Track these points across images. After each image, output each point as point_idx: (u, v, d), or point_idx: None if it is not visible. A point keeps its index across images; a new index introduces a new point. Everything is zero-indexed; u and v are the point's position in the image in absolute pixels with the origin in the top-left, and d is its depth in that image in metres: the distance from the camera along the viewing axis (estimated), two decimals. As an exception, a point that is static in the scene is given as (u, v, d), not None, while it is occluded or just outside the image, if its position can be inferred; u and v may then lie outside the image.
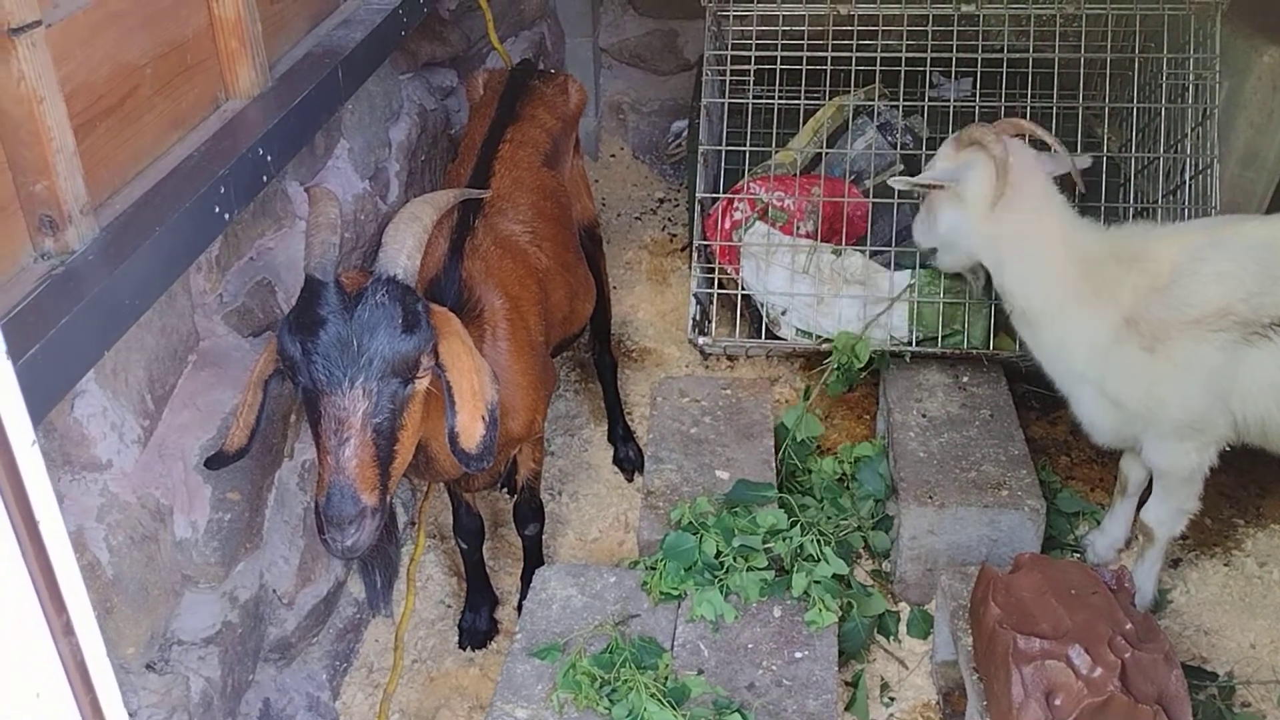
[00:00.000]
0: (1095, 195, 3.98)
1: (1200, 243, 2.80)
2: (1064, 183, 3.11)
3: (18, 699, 1.04)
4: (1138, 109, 4.15)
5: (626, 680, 2.60)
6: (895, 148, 4.20)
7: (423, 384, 2.27)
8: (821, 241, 3.95)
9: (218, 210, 2.21)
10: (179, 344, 2.42)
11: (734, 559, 2.94)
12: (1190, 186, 3.85)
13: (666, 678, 2.64)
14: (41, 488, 1.04)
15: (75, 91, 1.96)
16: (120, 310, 1.92)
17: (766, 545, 2.98)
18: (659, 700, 2.54)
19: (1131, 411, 2.88)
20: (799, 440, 3.53)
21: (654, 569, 2.92)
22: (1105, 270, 2.86)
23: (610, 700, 2.57)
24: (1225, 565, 3.39)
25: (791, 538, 3.00)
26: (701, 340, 4.07)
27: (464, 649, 3.21)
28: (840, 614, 2.90)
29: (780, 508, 3.13)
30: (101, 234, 1.98)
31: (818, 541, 3.01)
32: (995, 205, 2.95)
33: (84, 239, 1.94)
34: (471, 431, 2.34)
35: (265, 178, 2.42)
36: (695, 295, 4.12)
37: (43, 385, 1.71)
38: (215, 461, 2.33)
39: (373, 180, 3.32)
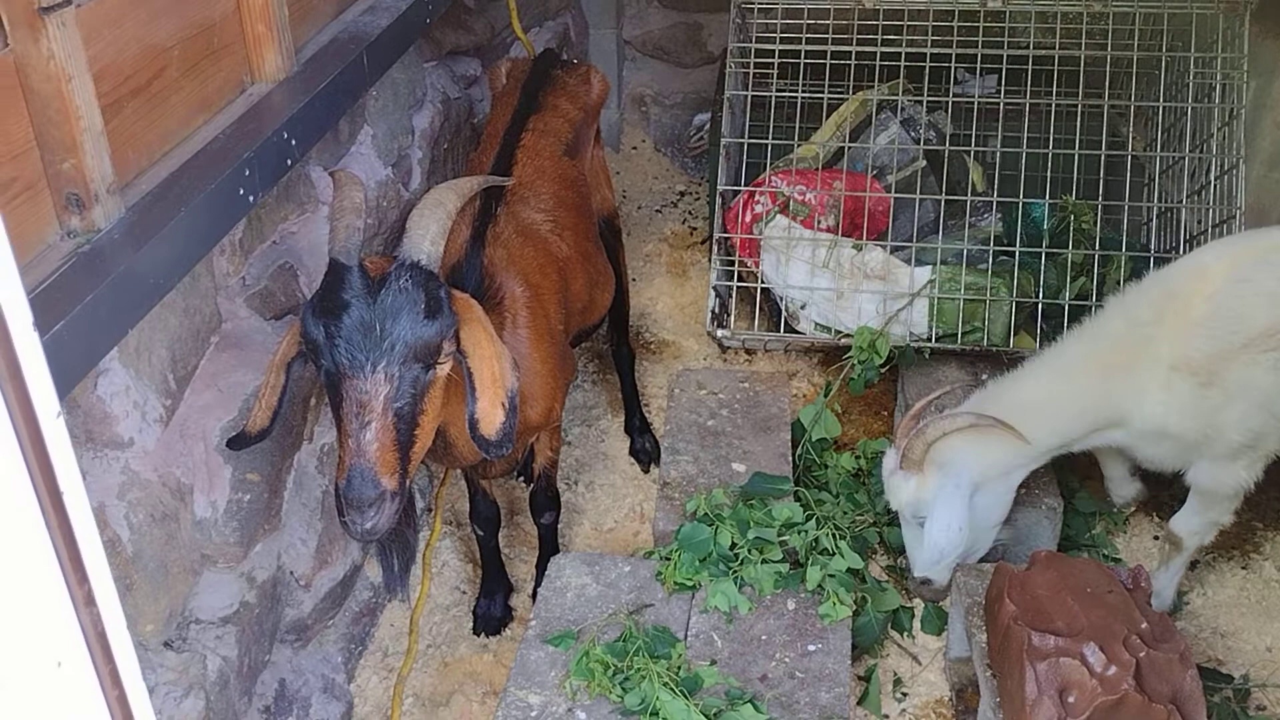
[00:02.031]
0: (1119, 195, 3.96)
1: (1240, 263, 2.76)
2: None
3: (40, 668, 1.05)
4: (1163, 108, 4.13)
5: (639, 669, 2.61)
6: (918, 143, 4.19)
7: (444, 370, 2.28)
8: (842, 236, 3.94)
9: (242, 193, 2.23)
10: (202, 325, 2.44)
11: (749, 551, 2.94)
12: (1215, 187, 3.82)
13: (679, 667, 2.65)
14: (66, 459, 1.05)
15: (103, 71, 1.98)
16: (144, 290, 1.93)
17: (782, 539, 2.98)
18: (672, 689, 2.55)
19: (1190, 442, 2.84)
20: (815, 438, 3.53)
21: (668, 559, 2.93)
22: (1120, 347, 2.81)
23: (623, 688, 2.58)
24: (1243, 568, 3.37)
25: (807, 531, 3.00)
26: (720, 333, 4.07)
27: (478, 635, 3.22)
28: (854, 608, 2.90)
29: (796, 501, 3.13)
30: (127, 214, 2.00)
31: (833, 535, 3.01)
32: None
33: (110, 218, 1.95)
34: (491, 418, 2.34)
35: (289, 162, 2.43)
36: (715, 288, 4.12)
37: (67, 361, 1.73)
38: (237, 442, 2.35)
39: (395, 167, 3.33)
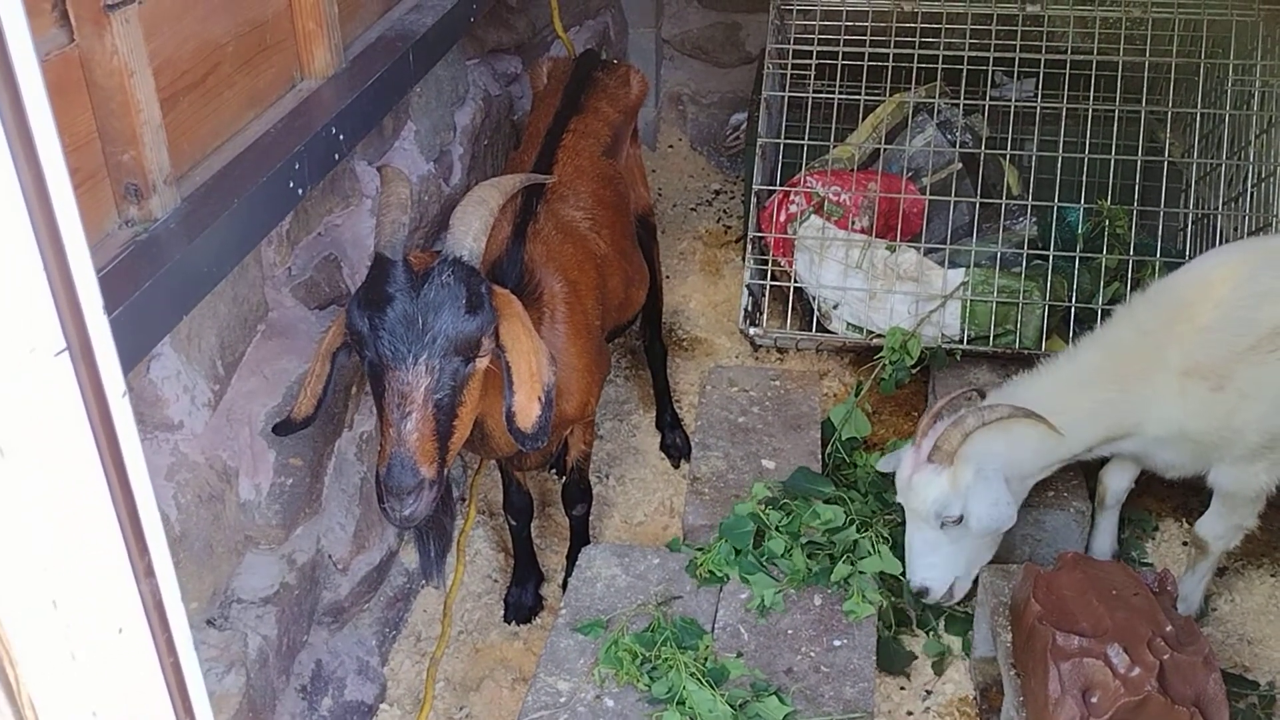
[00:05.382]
0: (1155, 201, 3.96)
1: (1245, 267, 2.78)
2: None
3: (103, 633, 1.11)
4: (1201, 114, 4.12)
5: (667, 659, 2.66)
6: (954, 146, 4.21)
7: (483, 363, 2.34)
8: (876, 237, 3.97)
9: (291, 185, 2.29)
10: (249, 313, 2.52)
11: (788, 553, 2.98)
12: (1252, 195, 3.82)
13: (706, 658, 2.69)
14: (130, 436, 1.10)
15: (162, 66, 2.05)
16: (198, 278, 2.01)
17: (831, 544, 3.02)
18: (698, 679, 2.59)
19: (1209, 445, 2.85)
20: (845, 437, 3.56)
21: (700, 550, 2.98)
22: (1131, 356, 2.83)
23: (650, 677, 2.63)
24: (1272, 576, 3.37)
25: (848, 536, 3.03)
26: (752, 331, 4.11)
27: (509, 623, 3.28)
28: (881, 603, 2.93)
29: (831, 503, 3.14)
30: (183, 204, 2.07)
31: (874, 540, 3.03)
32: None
33: (166, 208, 2.03)
34: (528, 411, 2.40)
35: (337, 156, 2.50)
36: (748, 286, 4.16)
37: (125, 346, 1.79)
38: (282, 429, 2.42)
39: (437, 163, 3.40)
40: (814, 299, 3.99)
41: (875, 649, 2.81)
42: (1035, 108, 4.08)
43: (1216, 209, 3.95)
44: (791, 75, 4.32)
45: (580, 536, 3.33)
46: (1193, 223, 4.02)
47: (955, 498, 2.80)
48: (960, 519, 2.83)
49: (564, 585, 3.21)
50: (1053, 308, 3.75)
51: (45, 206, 0.97)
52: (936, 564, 2.92)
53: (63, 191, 0.97)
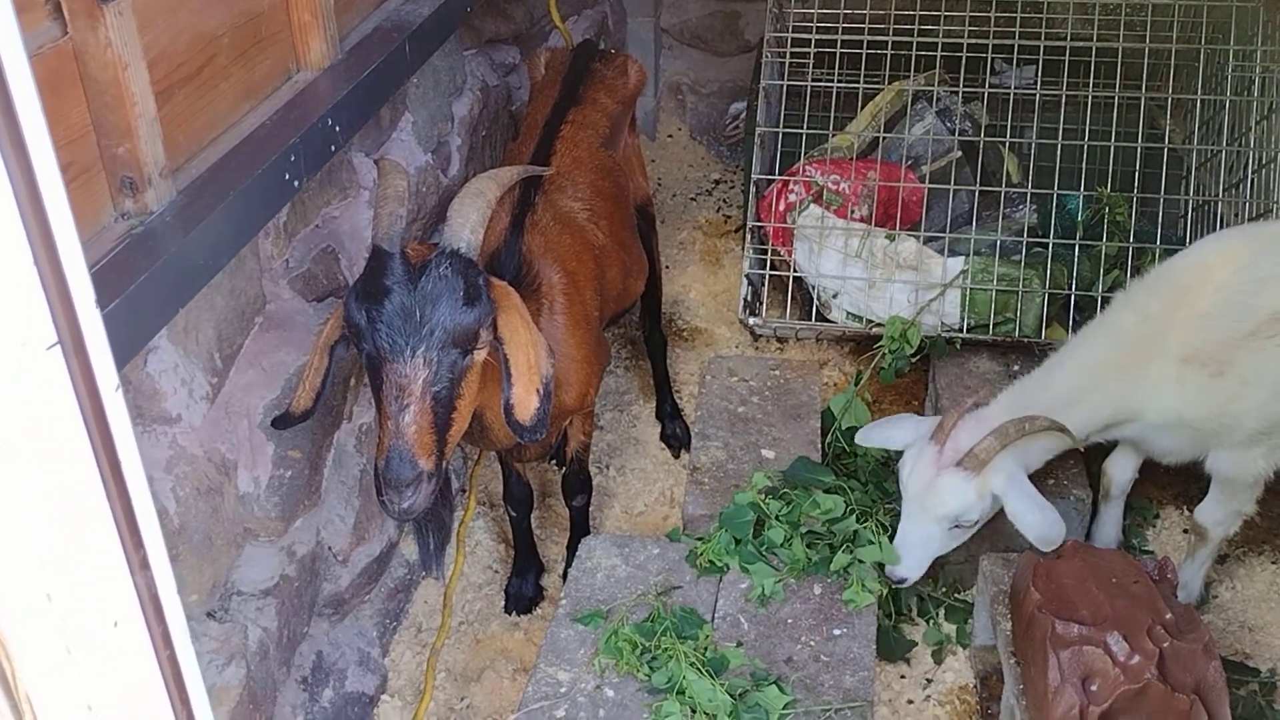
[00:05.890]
0: (1155, 188, 3.96)
1: (1244, 252, 2.78)
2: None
3: (98, 627, 1.11)
4: (1202, 101, 4.11)
5: (667, 649, 2.66)
6: (954, 134, 4.20)
7: (481, 355, 2.33)
8: (875, 226, 3.96)
9: (288, 177, 2.29)
10: (246, 306, 2.51)
11: (788, 544, 2.98)
12: (1253, 181, 3.81)
13: (706, 648, 2.69)
14: (124, 430, 1.10)
15: (157, 59, 2.04)
16: (194, 271, 2.00)
17: (830, 533, 3.02)
18: (698, 669, 2.60)
19: (1207, 431, 2.85)
20: (845, 426, 3.56)
21: (700, 539, 2.98)
22: (1132, 343, 2.82)
23: (650, 667, 2.63)
24: (1273, 563, 3.37)
25: (848, 525, 3.03)
26: (752, 321, 4.10)
27: (509, 613, 3.28)
28: (881, 593, 2.93)
29: (831, 493, 3.14)
30: (178, 197, 2.06)
31: (875, 530, 3.03)
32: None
33: (162, 201, 2.02)
34: (526, 404, 2.40)
35: (333, 147, 2.50)
36: (747, 276, 4.16)
37: (121, 339, 1.80)
38: (281, 422, 2.42)
39: (435, 153, 3.39)
40: (813, 288, 3.99)
41: (875, 638, 2.81)
42: (1035, 95, 4.07)
43: (1217, 196, 3.94)
44: (790, 64, 4.31)
45: (580, 527, 3.33)
46: (1193, 210, 4.01)
47: (978, 503, 2.83)
48: (976, 522, 2.88)
49: (564, 576, 3.22)
50: (1053, 296, 3.75)
51: (35, 199, 0.97)
52: (924, 558, 2.94)
53: (53, 184, 0.97)
